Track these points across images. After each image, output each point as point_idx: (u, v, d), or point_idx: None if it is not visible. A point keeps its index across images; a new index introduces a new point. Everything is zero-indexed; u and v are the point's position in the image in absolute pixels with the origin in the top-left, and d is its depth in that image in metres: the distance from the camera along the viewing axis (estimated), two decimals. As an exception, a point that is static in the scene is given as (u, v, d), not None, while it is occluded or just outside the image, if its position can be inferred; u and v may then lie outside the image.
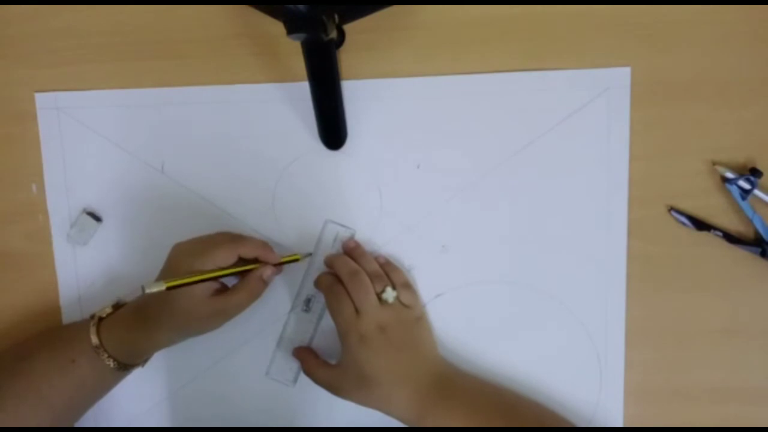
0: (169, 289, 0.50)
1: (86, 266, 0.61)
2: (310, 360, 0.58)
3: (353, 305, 0.55)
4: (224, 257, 0.53)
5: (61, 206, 0.61)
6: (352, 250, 0.58)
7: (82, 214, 0.60)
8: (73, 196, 0.61)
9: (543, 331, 0.58)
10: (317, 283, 0.57)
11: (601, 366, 0.58)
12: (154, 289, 0.49)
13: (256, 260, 0.55)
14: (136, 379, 0.57)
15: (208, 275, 0.52)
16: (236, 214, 0.60)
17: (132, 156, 0.60)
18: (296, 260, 0.57)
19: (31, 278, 0.62)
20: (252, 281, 0.54)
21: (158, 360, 0.59)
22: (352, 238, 0.59)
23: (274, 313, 0.60)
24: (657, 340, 0.58)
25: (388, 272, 0.57)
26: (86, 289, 0.61)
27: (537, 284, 0.58)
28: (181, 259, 0.54)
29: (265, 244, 0.56)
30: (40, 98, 0.60)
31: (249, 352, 0.60)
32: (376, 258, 0.58)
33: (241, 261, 0.55)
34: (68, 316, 0.62)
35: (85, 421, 0.58)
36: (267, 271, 0.55)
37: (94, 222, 0.60)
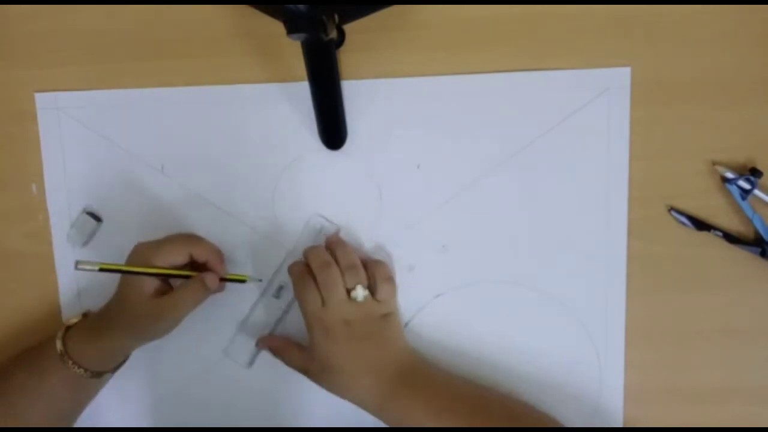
0: (102, 270, 0.52)
1: (86, 266, 0.61)
2: (280, 342, 0.58)
3: (320, 297, 0.55)
4: (175, 254, 0.54)
5: (61, 206, 0.61)
6: (331, 242, 0.58)
7: (82, 214, 0.60)
8: (73, 196, 0.61)
9: (543, 331, 0.58)
10: (289, 271, 0.57)
11: (601, 366, 0.58)
12: (87, 267, 0.52)
13: (206, 267, 0.56)
14: (126, 382, 0.57)
15: (146, 269, 0.53)
16: (236, 214, 0.60)
17: (132, 156, 0.60)
18: (242, 281, 0.58)
19: (31, 278, 0.62)
20: (193, 284, 0.54)
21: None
22: (335, 233, 0.59)
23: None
24: (657, 340, 0.58)
25: (370, 266, 0.57)
26: (86, 289, 0.61)
27: (537, 284, 0.58)
28: (135, 256, 0.54)
29: (219, 252, 0.56)
30: (40, 98, 0.60)
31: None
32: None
33: (197, 266, 0.56)
34: (68, 317, 0.61)
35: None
36: (209, 277, 0.55)
37: (94, 222, 0.60)
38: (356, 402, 0.55)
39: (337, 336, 0.54)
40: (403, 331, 0.59)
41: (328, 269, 0.55)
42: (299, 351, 0.57)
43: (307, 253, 0.57)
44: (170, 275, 0.54)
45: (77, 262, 0.51)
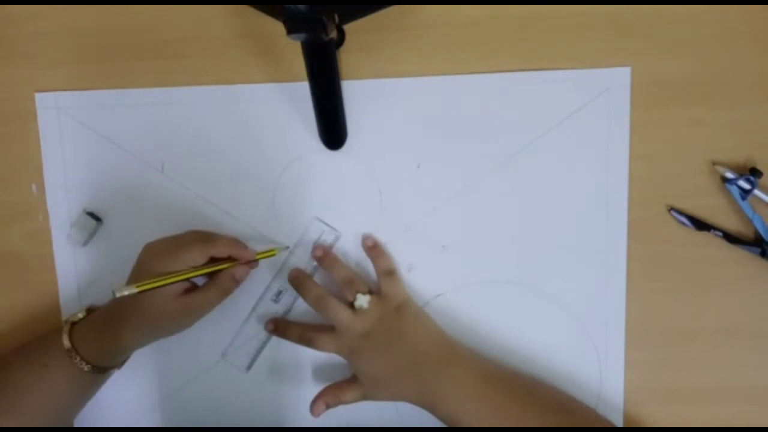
0: (140, 292, 0.51)
1: (86, 266, 0.61)
2: (332, 391, 0.57)
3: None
4: (194, 258, 0.53)
5: (61, 206, 0.61)
6: (321, 260, 0.58)
7: (82, 214, 0.60)
8: (73, 196, 0.61)
9: (543, 331, 0.58)
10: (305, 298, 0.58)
11: (601, 366, 0.58)
12: (125, 293, 0.50)
13: (229, 258, 0.55)
14: (127, 383, 0.57)
15: (178, 277, 0.52)
16: (236, 213, 0.60)
17: (132, 156, 0.60)
18: (273, 255, 0.57)
19: (31, 278, 0.62)
20: (223, 280, 0.54)
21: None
22: (329, 243, 0.59)
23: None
24: (657, 340, 0.58)
25: (372, 258, 0.58)
26: (86, 289, 0.61)
27: (537, 284, 0.58)
28: (152, 261, 0.54)
29: (236, 242, 0.56)
30: (40, 98, 0.60)
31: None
32: (365, 240, 0.58)
33: (214, 260, 0.55)
34: (68, 315, 0.61)
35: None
36: (239, 271, 0.55)
37: (94, 222, 0.60)
38: (413, 402, 0.55)
39: (363, 353, 0.55)
40: (423, 315, 0.58)
41: (324, 301, 0.56)
42: (349, 387, 0.56)
43: (298, 288, 0.58)
44: (202, 274, 0.54)
45: (114, 291, 0.50)
